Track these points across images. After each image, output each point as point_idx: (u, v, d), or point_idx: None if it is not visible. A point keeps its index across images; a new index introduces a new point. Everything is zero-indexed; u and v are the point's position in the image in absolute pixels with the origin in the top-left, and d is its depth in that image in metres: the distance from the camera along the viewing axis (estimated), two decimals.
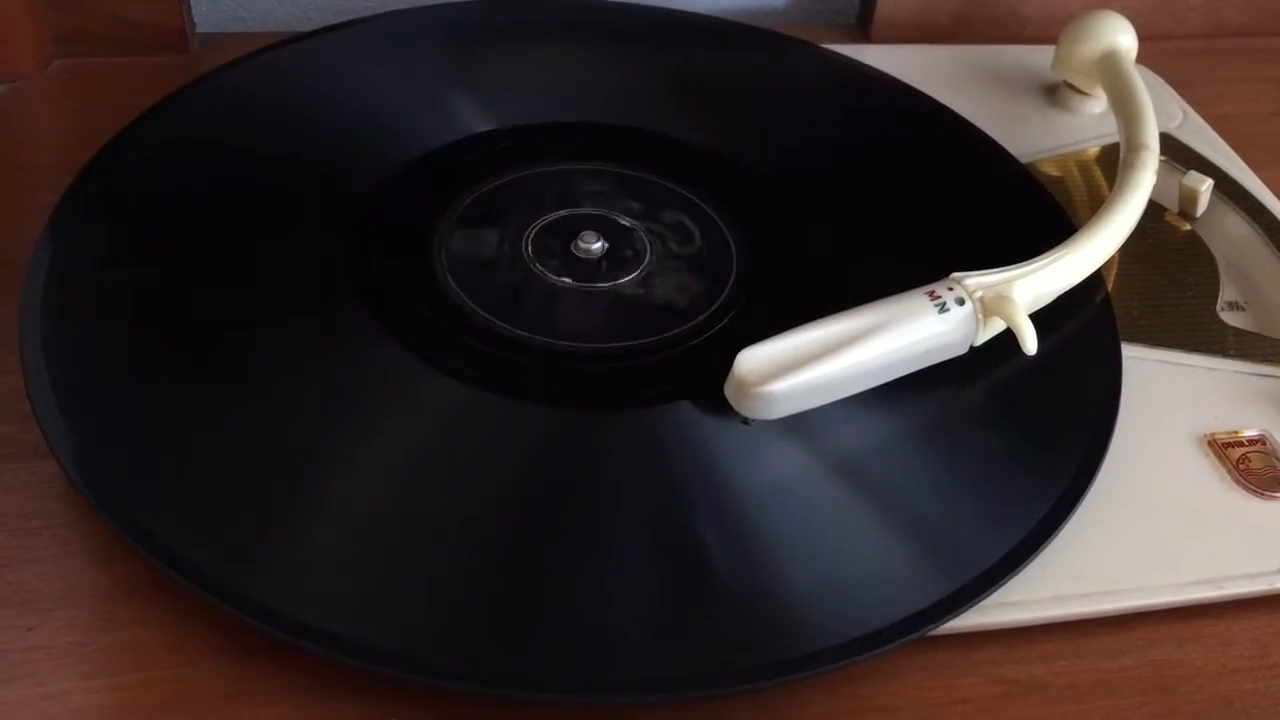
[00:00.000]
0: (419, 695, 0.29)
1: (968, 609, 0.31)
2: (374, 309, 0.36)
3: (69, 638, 0.30)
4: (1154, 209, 0.44)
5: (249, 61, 0.45)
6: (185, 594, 0.30)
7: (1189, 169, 0.46)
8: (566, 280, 0.38)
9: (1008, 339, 0.35)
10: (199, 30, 0.52)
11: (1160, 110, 0.48)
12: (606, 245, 0.39)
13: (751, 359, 0.33)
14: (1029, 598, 0.32)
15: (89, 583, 0.31)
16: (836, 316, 0.34)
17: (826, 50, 0.50)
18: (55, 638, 0.30)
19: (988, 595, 0.31)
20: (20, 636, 0.30)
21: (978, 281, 0.35)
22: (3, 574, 0.31)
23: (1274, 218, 0.45)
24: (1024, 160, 0.46)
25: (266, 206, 0.40)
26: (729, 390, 0.33)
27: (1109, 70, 0.47)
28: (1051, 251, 0.37)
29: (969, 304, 0.35)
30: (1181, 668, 0.32)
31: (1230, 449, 0.37)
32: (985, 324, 0.35)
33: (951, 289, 0.35)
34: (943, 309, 0.35)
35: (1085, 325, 0.39)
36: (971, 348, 0.36)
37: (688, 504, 0.32)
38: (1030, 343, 0.35)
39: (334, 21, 0.48)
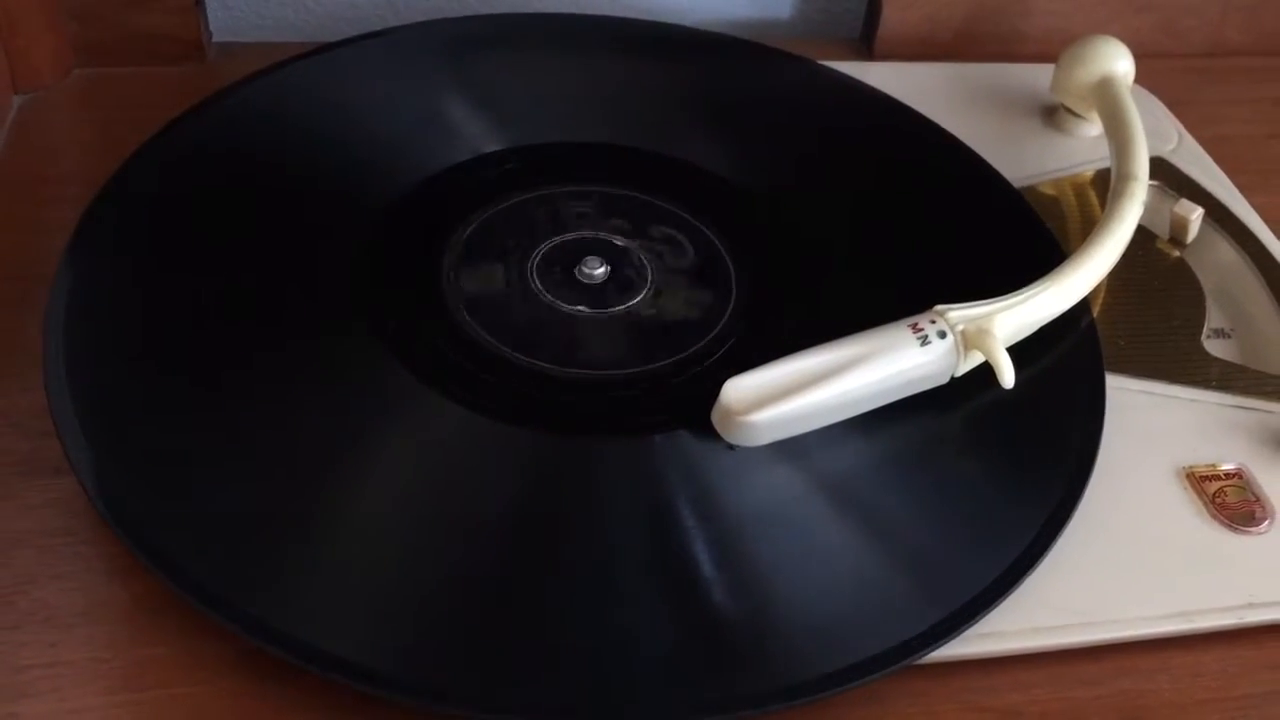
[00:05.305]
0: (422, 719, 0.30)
1: (951, 639, 0.32)
2: (379, 333, 0.37)
3: (91, 654, 0.31)
4: (1144, 235, 0.45)
5: (262, 78, 0.46)
6: (201, 613, 0.31)
7: (1181, 195, 0.47)
8: (570, 306, 0.39)
9: (993, 369, 0.36)
10: (215, 40, 0.53)
11: (1156, 133, 0.48)
12: (610, 270, 0.40)
13: (737, 388, 0.34)
14: (1007, 628, 0.33)
15: (110, 599, 0.33)
16: (822, 347, 0.35)
17: (824, 67, 0.51)
18: (77, 654, 0.31)
19: (971, 625, 0.32)
20: (43, 652, 0.31)
21: (960, 314, 0.36)
22: (27, 590, 0.32)
23: (1262, 246, 0.46)
24: (1020, 183, 0.47)
25: (277, 226, 0.41)
26: (716, 418, 0.34)
27: (1104, 96, 0.48)
28: (1034, 285, 0.38)
29: (950, 337, 0.36)
30: (1152, 697, 0.33)
31: (1208, 482, 0.37)
32: (966, 356, 0.36)
33: (934, 321, 0.36)
34: (924, 341, 0.35)
35: (1071, 355, 0.40)
36: (955, 378, 0.36)
37: (677, 531, 0.33)
38: (1007, 377, 0.36)
39: (348, 29, 0.48)
